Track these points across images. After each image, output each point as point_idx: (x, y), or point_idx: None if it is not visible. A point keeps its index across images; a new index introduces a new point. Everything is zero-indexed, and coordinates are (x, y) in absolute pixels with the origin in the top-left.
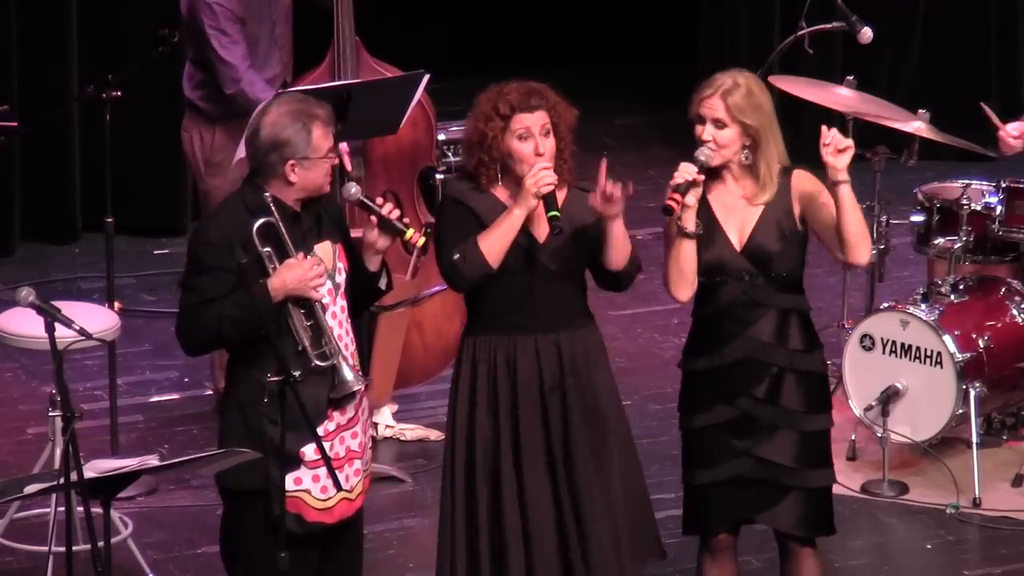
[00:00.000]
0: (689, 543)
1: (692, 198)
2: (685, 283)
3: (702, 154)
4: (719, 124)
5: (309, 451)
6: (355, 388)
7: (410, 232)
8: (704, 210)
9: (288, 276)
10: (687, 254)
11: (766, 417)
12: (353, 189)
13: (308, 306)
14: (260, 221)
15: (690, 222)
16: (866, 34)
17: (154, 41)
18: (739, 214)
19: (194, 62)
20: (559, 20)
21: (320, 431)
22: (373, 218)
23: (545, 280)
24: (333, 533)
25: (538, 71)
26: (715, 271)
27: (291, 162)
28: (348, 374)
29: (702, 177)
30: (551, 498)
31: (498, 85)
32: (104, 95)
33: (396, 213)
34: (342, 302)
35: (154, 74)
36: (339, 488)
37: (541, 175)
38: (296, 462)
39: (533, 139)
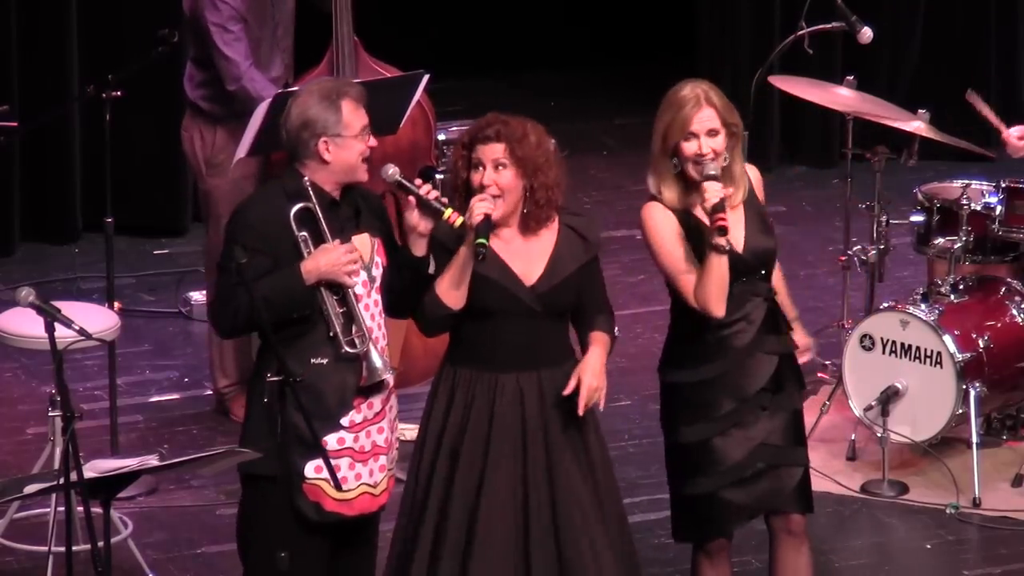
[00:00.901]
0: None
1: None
2: (725, 299)
3: (713, 168)
4: (713, 133)
5: (332, 440)
6: (384, 376)
7: (448, 211)
8: (694, 225)
9: (322, 260)
10: (726, 270)
11: (775, 404)
12: (391, 170)
13: (341, 292)
14: (298, 206)
15: (724, 239)
16: (866, 34)
17: (154, 41)
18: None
19: (196, 61)
20: (559, 20)
21: (346, 422)
22: (412, 200)
23: (531, 320)
24: (352, 527)
25: (538, 71)
26: (732, 279)
27: (323, 139)
28: (377, 361)
29: (730, 190)
30: (520, 545)
31: (491, 115)
32: (104, 95)
33: (435, 194)
34: (376, 296)
35: (154, 74)
36: (338, 488)
37: (474, 207)
38: (318, 451)
39: (486, 171)
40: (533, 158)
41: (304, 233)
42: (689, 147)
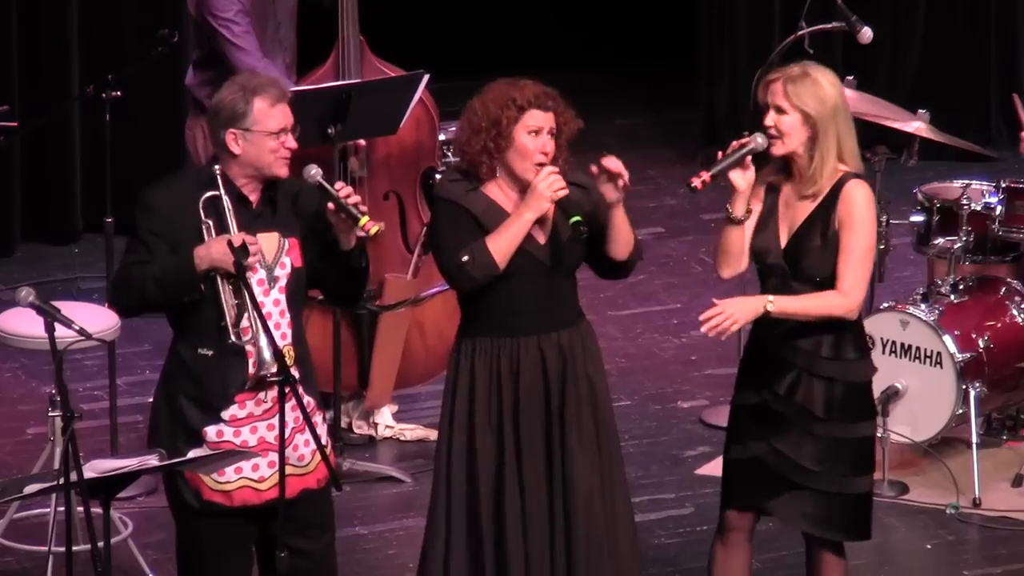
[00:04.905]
0: (689, 543)
1: (744, 182)
2: (727, 264)
3: (757, 138)
4: (780, 110)
5: (212, 432)
6: (270, 371)
7: (364, 219)
8: (771, 197)
9: (214, 247)
10: (729, 238)
11: (783, 412)
12: (313, 170)
13: (237, 285)
14: (208, 194)
15: (738, 208)
16: (866, 34)
17: (154, 41)
18: (791, 211)
19: (200, 60)
20: (559, 20)
21: (226, 415)
22: (331, 204)
23: (546, 280)
24: (271, 518)
25: (539, 71)
26: (760, 258)
27: (231, 131)
28: (266, 354)
29: (751, 154)
30: (547, 496)
31: (511, 78)
32: (104, 95)
33: (354, 199)
34: (278, 296)
35: (154, 74)
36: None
37: (552, 180)
38: (199, 440)
39: (542, 137)
40: (571, 128)
41: (209, 221)
42: (765, 118)
